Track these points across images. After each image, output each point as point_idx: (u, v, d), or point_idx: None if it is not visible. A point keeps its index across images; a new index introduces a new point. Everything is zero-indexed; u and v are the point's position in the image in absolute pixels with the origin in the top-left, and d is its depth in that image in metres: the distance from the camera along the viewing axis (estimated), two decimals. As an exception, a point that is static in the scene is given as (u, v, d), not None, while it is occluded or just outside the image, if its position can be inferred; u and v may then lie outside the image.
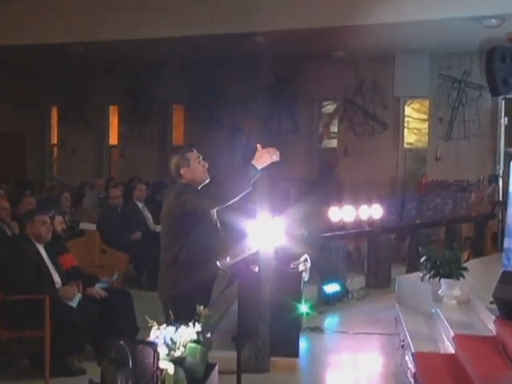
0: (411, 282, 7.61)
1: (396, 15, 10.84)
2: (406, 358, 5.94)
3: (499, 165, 11.74)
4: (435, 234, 11.08)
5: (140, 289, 9.12)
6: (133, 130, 17.14)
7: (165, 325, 4.00)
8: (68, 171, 17.36)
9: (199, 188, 5.00)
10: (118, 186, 11.88)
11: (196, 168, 4.98)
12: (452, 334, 5.67)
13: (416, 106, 15.11)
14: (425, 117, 14.82)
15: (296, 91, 15.34)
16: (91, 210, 12.56)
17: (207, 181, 5.03)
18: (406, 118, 15.02)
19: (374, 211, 9.42)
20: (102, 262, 8.71)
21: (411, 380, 5.43)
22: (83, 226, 9.92)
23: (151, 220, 10.40)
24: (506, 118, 11.96)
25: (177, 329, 3.95)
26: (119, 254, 9.39)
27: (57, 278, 6.36)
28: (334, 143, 15.76)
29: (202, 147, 5.90)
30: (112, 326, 6.30)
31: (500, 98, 11.29)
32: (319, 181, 14.65)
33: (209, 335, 4.10)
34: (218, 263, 4.29)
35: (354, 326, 7.58)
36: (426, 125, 14.71)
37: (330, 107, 16.00)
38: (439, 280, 6.72)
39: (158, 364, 3.68)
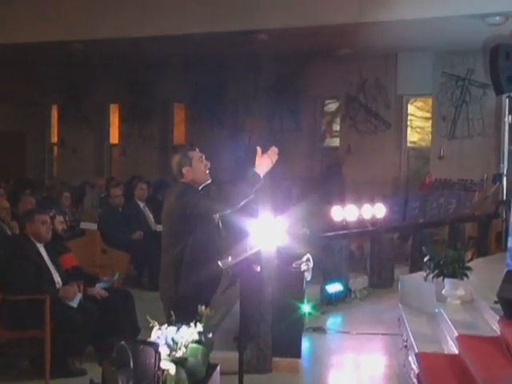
0: (414, 282, 7.56)
1: (399, 13, 10.79)
2: (410, 358, 5.92)
3: (503, 163, 11.65)
4: (439, 234, 11.05)
5: (141, 289, 9.10)
6: (134, 128, 17.09)
7: (166, 325, 3.99)
8: (68, 170, 17.33)
9: (200, 188, 4.98)
10: (118, 185, 11.82)
11: (198, 168, 4.98)
12: (456, 334, 5.64)
13: (419, 104, 15.05)
14: (428, 115, 14.75)
15: (298, 90, 15.28)
16: (92, 209, 12.55)
17: (208, 181, 5.02)
18: (409, 117, 14.97)
19: (376, 210, 9.39)
20: (103, 262, 8.72)
21: (415, 381, 5.41)
22: (84, 225, 9.91)
23: (152, 219, 10.35)
24: (510, 117, 11.86)
25: (178, 329, 3.94)
26: (120, 254, 9.37)
27: (57, 278, 6.33)
28: (336, 142, 15.71)
29: (203, 146, 5.85)
30: (113, 326, 6.28)
31: (504, 96, 11.22)
32: (322, 180, 14.60)
33: (210, 335, 4.09)
34: (219, 263, 4.27)
35: (356, 326, 7.55)
36: (429, 123, 14.64)
37: (332, 106, 15.95)
38: (443, 280, 6.67)
39: (159, 364, 3.68)
